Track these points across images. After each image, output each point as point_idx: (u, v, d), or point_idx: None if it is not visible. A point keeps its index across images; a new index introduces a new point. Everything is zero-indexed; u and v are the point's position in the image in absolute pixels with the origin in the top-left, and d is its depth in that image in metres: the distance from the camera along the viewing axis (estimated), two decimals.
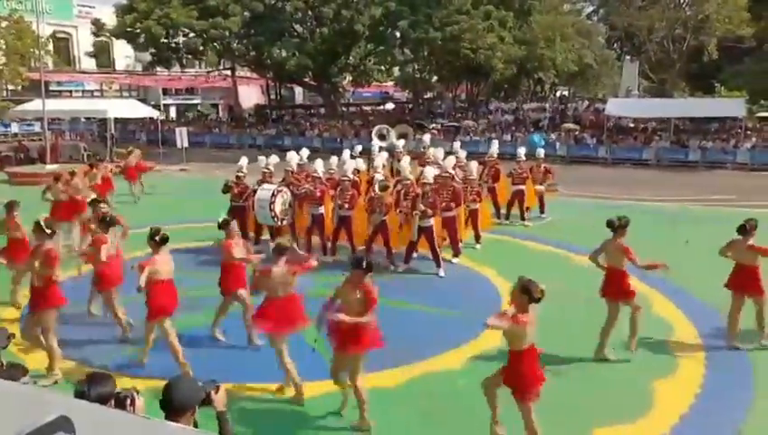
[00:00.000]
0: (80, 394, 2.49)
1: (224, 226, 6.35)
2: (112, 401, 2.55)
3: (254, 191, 9.60)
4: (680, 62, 30.82)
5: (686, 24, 29.28)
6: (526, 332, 4.23)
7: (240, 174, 9.90)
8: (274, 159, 10.33)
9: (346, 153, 11.06)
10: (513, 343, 4.31)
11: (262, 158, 10.41)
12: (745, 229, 6.10)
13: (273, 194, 9.12)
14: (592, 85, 46.84)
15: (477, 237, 10.32)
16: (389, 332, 6.57)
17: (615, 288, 5.94)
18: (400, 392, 5.40)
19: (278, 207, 9.17)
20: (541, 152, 12.98)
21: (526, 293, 4.19)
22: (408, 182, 9.63)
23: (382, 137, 13.69)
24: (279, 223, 9.35)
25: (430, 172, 9.20)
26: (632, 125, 28.52)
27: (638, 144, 24.84)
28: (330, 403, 5.21)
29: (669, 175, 20.82)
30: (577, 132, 26.97)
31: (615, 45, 38.33)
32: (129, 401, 2.56)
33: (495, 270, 8.85)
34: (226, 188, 9.86)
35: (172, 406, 2.51)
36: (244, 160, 10.24)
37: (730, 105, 25.93)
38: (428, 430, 4.88)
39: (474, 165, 10.81)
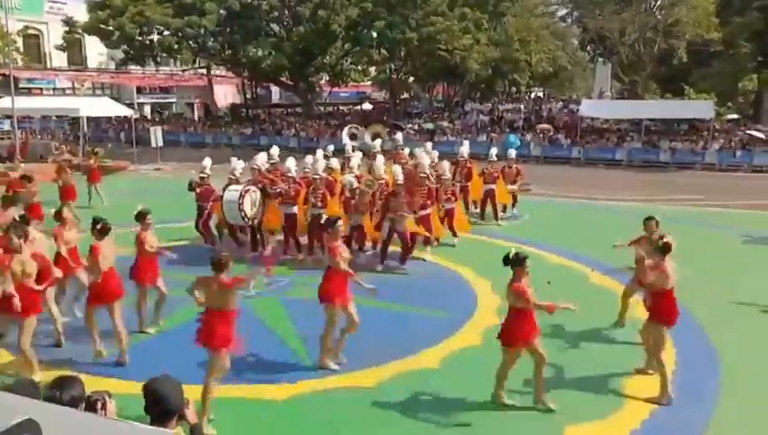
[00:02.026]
0: (49, 398, 2.44)
1: (140, 217, 6.55)
2: (83, 405, 2.51)
3: (216, 199, 9.71)
4: (651, 65, 31.59)
5: (656, 27, 30.01)
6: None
7: (203, 174, 9.94)
8: (241, 163, 10.25)
9: (319, 153, 11.07)
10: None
11: (234, 159, 10.40)
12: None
13: (240, 194, 9.10)
14: (566, 87, 47.69)
15: (454, 235, 10.55)
16: (368, 331, 6.66)
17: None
18: (380, 391, 5.42)
19: (247, 207, 9.14)
20: (512, 153, 13.23)
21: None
22: (382, 181, 9.73)
23: (353, 136, 13.82)
24: (250, 222, 9.35)
25: (399, 171, 9.41)
26: (605, 126, 29.15)
27: (611, 145, 25.39)
28: (309, 405, 5.22)
29: (641, 175, 21.35)
30: (551, 133, 27.43)
31: (588, 48, 39.02)
32: (100, 405, 2.52)
33: (472, 269, 8.95)
34: (191, 187, 9.97)
35: (156, 413, 2.49)
36: (207, 161, 10.25)
37: (699, 107, 26.72)
38: (408, 429, 4.91)
39: (446, 164, 10.94)
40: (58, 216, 6.79)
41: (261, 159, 10.27)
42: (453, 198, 10.52)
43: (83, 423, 1.69)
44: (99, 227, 5.85)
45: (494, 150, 12.95)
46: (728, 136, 25.26)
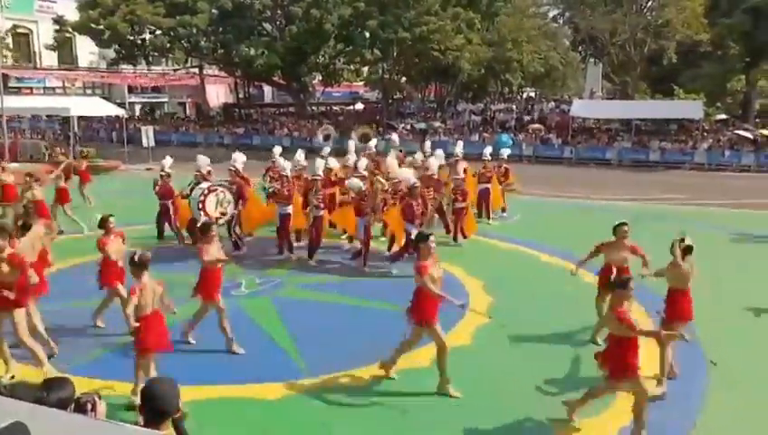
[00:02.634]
0: (37, 399, 2.41)
1: (102, 223, 6.58)
2: (72, 406, 2.50)
3: (186, 195, 9.88)
4: (641, 66, 31.82)
5: (646, 28, 30.25)
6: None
7: (163, 173, 10.17)
8: (207, 161, 10.37)
9: (299, 153, 11.24)
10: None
11: (200, 157, 10.58)
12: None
13: (203, 193, 9.12)
14: (558, 87, 47.91)
15: (464, 236, 10.67)
16: (359, 331, 6.71)
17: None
18: (372, 391, 5.45)
19: (210, 206, 9.07)
20: (504, 152, 13.30)
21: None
22: (397, 181, 9.82)
23: (327, 137, 13.88)
24: (214, 222, 9.39)
25: (409, 174, 9.39)
26: (596, 126, 29.35)
27: (602, 145, 25.58)
28: (302, 404, 5.23)
29: (631, 175, 21.54)
30: (543, 133, 27.59)
31: (579, 48, 39.25)
32: (90, 406, 2.51)
33: (464, 269, 8.98)
34: (154, 186, 10.26)
35: (152, 411, 2.49)
36: (167, 160, 10.45)
37: (688, 107, 26.96)
38: (400, 428, 4.93)
39: (433, 162, 10.95)
40: (103, 224, 6.55)
41: (239, 160, 10.34)
42: (462, 199, 10.48)
43: (73, 425, 1.69)
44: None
45: (487, 150, 13.04)
46: (717, 136, 25.53)
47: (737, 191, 17.41)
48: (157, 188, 10.14)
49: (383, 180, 9.87)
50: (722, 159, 23.10)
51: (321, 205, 9.42)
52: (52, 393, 2.50)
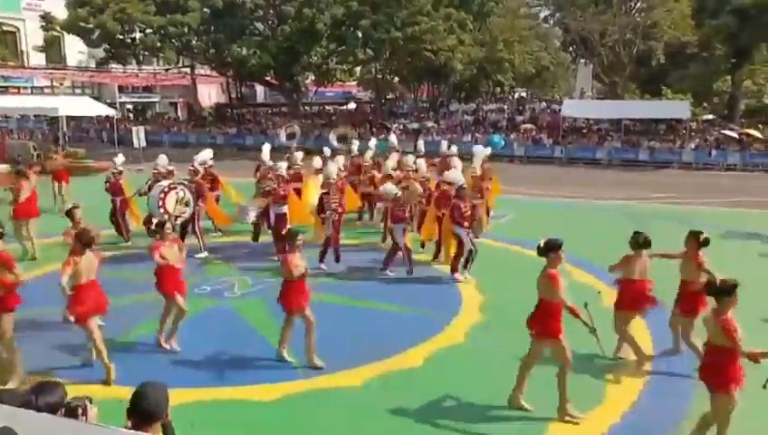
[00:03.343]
0: (25, 403, 2.37)
1: (68, 213, 6.68)
2: (62, 411, 2.46)
3: (143, 192, 10.13)
4: (630, 66, 32.17)
5: (635, 29, 30.60)
6: None
7: (114, 171, 10.50)
8: (165, 160, 10.73)
9: (265, 147, 11.46)
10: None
11: (161, 156, 10.91)
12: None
13: (163, 191, 9.24)
14: (549, 87, 48.24)
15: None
16: (352, 332, 6.72)
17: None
18: (366, 391, 5.48)
19: (170, 205, 9.21)
20: (486, 151, 13.39)
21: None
22: (424, 180, 10.01)
23: (291, 136, 14.02)
24: (173, 220, 9.42)
25: (457, 175, 9.28)
26: (586, 126, 29.63)
27: (592, 144, 25.84)
28: (295, 406, 5.25)
29: (621, 174, 21.78)
30: (534, 133, 27.80)
31: (570, 49, 39.55)
32: (80, 411, 2.46)
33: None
34: (106, 183, 10.58)
35: (141, 414, 2.49)
36: (119, 157, 10.91)
37: (676, 107, 27.31)
38: (394, 428, 4.97)
39: (421, 163, 11.08)
40: (156, 228, 6.38)
41: (201, 158, 10.59)
42: (479, 196, 10.50)
43: (62, 429, 1.68)
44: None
45: (477, 149, 13.16)
46: (704, 136, 25.89)
47: (724, 190, 17.68)
48: (107, 184, 10.41)
49: (417, 185, 9.65)
50: (708, 158, 23.44)
51: (340, 209, 9.30)
52: (41, 398, 2.47)
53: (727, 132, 25.68)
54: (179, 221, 9.26)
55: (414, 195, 9.42)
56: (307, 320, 5.80)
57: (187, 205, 9.34)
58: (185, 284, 6.34)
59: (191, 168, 10.22)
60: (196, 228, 9.73)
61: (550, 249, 4.99)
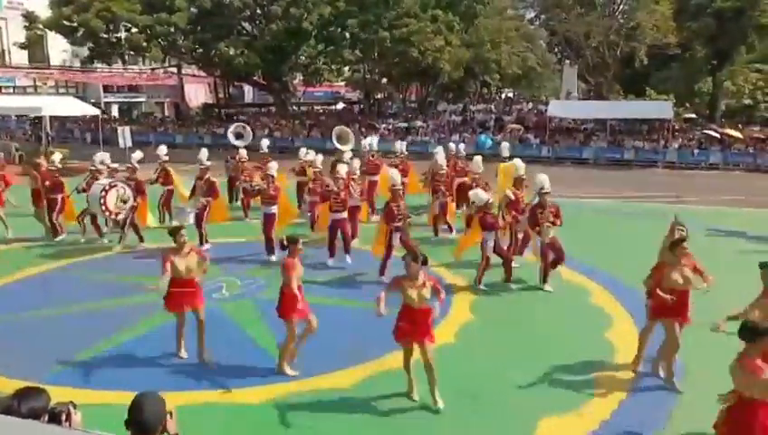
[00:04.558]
0: (8, 410, 2.34)
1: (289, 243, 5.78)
2: (46, 417, 2.42)
3: (81, 189, 10.32)
4: (614, 67, 32.63)
5: (619, 31, 31.03)
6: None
7: (52, 168, 10.65)
8: (102, 157, 10.98)
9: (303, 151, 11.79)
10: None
11: (99, 153, 11.17)
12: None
13: (104, 189, 9.47)
14: (535, 87, 48.65)
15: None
16: (343, 333, 6.67)
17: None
18: (356, 392, 5.47)
19: (111, 202, 9.49)
20: (452, 148, 13.56)
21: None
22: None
23: (239, 136, 14.19)
24: (113, 217, 9.74)
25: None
26: (572, 126, 29.96)
27: (578, 144, 26.15)
28: (285, 408, 5.23)
29: (607, 173, 22.07)
30: (521, 133, 28.06)
31: (556, 50, 39.94)
32: (64, 416, 2.42)
33: (446, 268, 9.06)
34: (43, 181, 10.55)
35: (139, 426, 2.47)
36: (57, 155, 11.30)
37: (659, 107, 27.72)
38: (384, 428, 4.98)
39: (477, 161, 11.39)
40: (288, 244, 5.74)
41: (135, 158, 10.99)
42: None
43: None
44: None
45: (461, 146, 13.46)
46: (687, 135, 26.36)
47: (707, 189, 18.02)
48: (48, 183, 10.45)
49: (510, 192, 9.10)
50: (691, 158, 23.87)
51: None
52: (24, 403, 2.42)
53: (709, 132, 26.17)
54: (119, 218, 9.66)
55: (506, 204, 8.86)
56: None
57: (125, 202, 9.66)
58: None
59: (129, 165, 10.68)
60: (131, 224, 10.04)
61: None
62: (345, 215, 9.43)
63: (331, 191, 9.50)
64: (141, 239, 10.15)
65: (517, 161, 10.45)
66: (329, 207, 9.50)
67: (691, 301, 5.58)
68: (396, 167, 11.32)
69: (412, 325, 5.09)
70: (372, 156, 13.31)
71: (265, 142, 14.05)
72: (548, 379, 5.77)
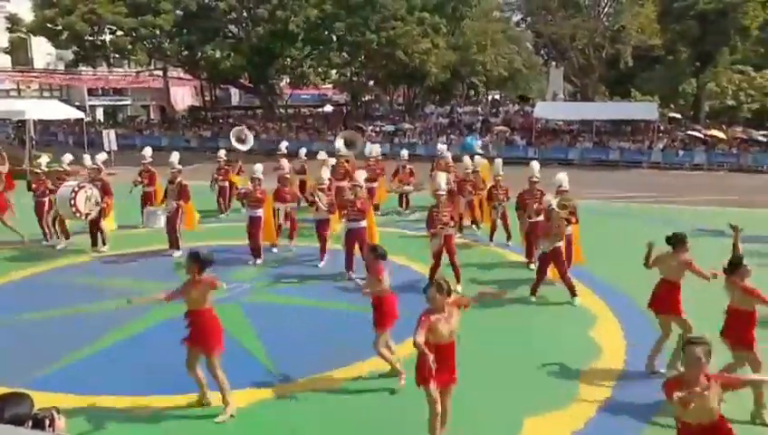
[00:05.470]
0: None
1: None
2: (30, 423, 2.39)
3: (52, 190, 10.31)
4: (600, 69, 32.98)
5: (604, 33, 31.39)
6: None
7: (38, 171, 10.69)
8: (70, 158, 11.17)
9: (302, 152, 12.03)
10: None
11: (67, 155, 11.24)
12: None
13: (73, 190, 9.47)
14: (522, 89, 49.02)
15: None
16: (326, 335, 6.66)
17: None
18: (341, 394, 5.46)
19: (81, 203, 9.50)
20: (404, 153, 13.63)
21: None
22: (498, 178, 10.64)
23: (240, 140, 14.19)
24: (83, 218, 9.73)
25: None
26: (558, 127, 30.24)
27: (564, 145, 26.37)
28: (270, 411, 5.22)
29: (593, 174, 22.27)
30: (507, 134, 28.24)
31: (542, 52, 40.28)
32: (48, 422, 2.41)
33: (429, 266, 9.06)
34: (29, 185, 10.79)
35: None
36: (44, 158, 11.19)
37: (644, 108, 28.10)
38: (370, 430, 4.97)
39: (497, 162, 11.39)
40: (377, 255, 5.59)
41: (99, 159, 11.11)
42: (505, 198, 10.54)
43: None
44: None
45: (443, 147, 13.75)
46: (671, 136, 26.72)
47: (692, 189, 18.27)
48: (34, 185, 10.50)
49: (568, 203, 8.53)
50: (676, 158, 24.19)
51: (451, 223, 8.52)
52: (7, 409, 2.38)
53: (693, 133, 26.55)
54: (89, 219, 9.66)
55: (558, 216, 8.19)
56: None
57: (96, 204, 9.70)
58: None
59: (94, 165, 10.70)
60: (101, 225, 10.07)
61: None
62: (363, 224, 8.82)
63: (347, 200, 8.96)
64: (97, 243, 10.05)
65: (497, 161, 11.07)
66: (345, 216, 8.97)
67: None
68: (371, 169, 11.74)
69: (443, 364, 4.45)
70: (372, 162, 13.42)
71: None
72: (533, 378, 5.80)
